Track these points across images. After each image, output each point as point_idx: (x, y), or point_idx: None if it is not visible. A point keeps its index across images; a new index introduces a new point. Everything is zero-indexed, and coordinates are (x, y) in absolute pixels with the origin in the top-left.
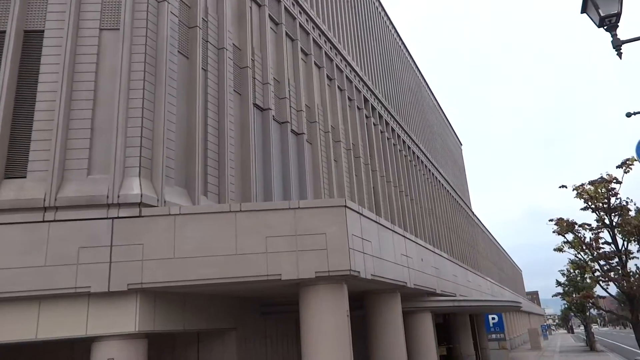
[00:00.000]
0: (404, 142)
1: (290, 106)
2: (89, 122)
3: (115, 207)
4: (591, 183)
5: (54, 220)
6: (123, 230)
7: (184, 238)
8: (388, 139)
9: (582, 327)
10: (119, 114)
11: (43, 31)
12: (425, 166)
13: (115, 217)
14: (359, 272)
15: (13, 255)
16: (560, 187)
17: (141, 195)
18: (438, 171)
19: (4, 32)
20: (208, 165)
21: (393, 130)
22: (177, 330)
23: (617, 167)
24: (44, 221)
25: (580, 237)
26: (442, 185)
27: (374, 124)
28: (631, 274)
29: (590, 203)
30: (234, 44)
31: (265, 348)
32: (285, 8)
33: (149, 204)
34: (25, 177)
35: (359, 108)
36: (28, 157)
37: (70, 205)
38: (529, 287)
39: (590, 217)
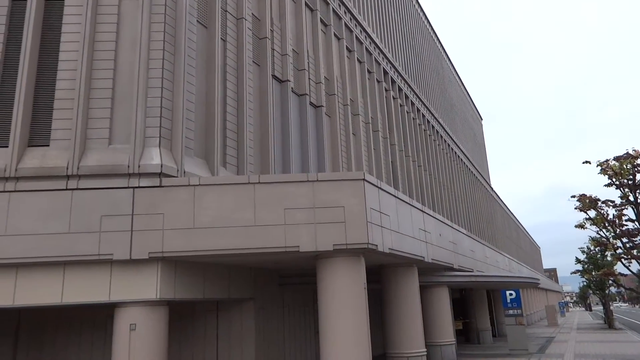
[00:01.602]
0: (423, 116)
1: (309, 78)
2: (110, 91)
3: (136, 177)
4: (616, 159)
5: (77, 189)
6: (144, 199)
7: (203, 208)
8: (407, 112)
9: (600, 305)
10: (139, 84)
11: (63, 0)
12: (445, 141)
13: (136, 187)
14: (376, 245)
15: (37, 222)
16: (583, 162)
17: (161, 166)
18: (457, 146)
19: (25, 1)
20: (227, 136)
21: (412, 103)
22: (197, 299)
23: None
24: (67, 189)
25: (603, 214)
26: (461, 160)
27: (394, 98)
28: None
29: (614, 179)
30: (253, 14)
31: (283, 318)
32: None
33: (169, 174)
34: (48, 145)
35: (378, 81)
36: (51, 125)
37: (92, 174)
38: (547, 264)
39: (614, 194)
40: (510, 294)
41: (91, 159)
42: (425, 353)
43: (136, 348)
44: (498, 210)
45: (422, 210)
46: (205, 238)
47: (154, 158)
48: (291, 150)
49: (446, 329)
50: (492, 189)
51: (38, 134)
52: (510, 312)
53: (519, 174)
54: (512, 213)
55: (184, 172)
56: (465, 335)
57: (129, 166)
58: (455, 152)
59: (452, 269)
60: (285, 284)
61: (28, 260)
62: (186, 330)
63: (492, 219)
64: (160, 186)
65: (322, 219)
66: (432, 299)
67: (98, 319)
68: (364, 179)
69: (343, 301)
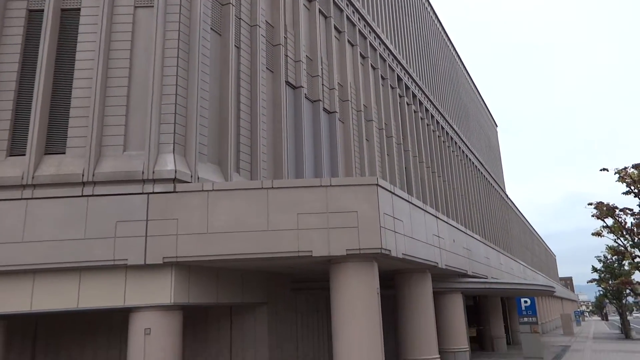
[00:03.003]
0: (437, 122)
1: (322, 84)
2: (125, 99)
3: (150, 183)
4: (635, 166)
5: (92, 195)
6: (158, 205)
7: (216, 214)
8: (421, 118)
9: (617, 315)
10: (153, 91)
11: (79, 9)
12: (459, 147)
13: (151, 193)
14: (390, 250)
15: (54, 228)
16: (601, 170)
17: (175, 171)
18: (472, 152)
19: (42, 10)
20: (240, 142)
21: (427, 110)
22: (210, 304)
23: None
24: (82, 196)
25: (620, 222)
26: (476, 166)
27: (407, 104)
28: None
29: (632, 187)
30: (266, 21)
31: (296, 323)
32: None
33: (183, 180)
34: (64, 153)
35: (392, 87)
36: (67, 133)
37: (107, 181)
38: (563, 273)
39: (633, 202)
40: (525, 302)
41: (106, 166)
42: (439, 359)
43: (151, 352)
44: (513, 218)
45: (435, 216)
46: (218, 243)
47: (168, 164)
48: (304, 156)
49: (460, 336)
50: (507, 196)
51: (54, 142)
52: (525, 319)
53: (536, 182)
54: (527, 221)
55: (198, 177)
56: (479, 342)
57: (143, 172)
58: (470, 159)
59: (466, 276)
60: (299, 289)
61: (45, 266)
62: (200, 334)
63: (506, 226)
64: (174, 192)
65: (335, 224)
66: (445, 305)
67: (113, 323)
68: (377, 184)
69: (356, 306)
